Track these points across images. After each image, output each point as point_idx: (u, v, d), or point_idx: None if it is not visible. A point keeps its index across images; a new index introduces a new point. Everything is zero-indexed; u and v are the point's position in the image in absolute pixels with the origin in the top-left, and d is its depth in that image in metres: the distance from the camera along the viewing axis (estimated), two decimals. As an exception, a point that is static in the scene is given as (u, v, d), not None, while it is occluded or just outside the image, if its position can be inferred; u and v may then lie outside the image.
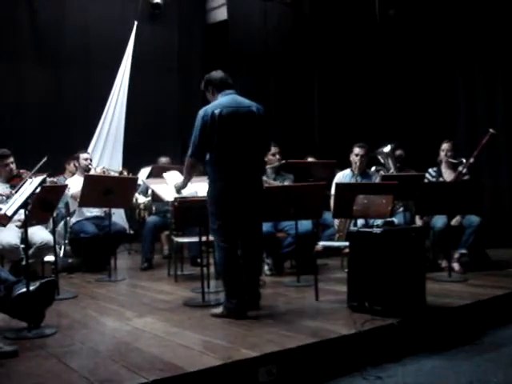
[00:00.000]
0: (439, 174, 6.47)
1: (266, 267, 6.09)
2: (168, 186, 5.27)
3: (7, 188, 5.71)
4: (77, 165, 7.12)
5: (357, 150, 6.30)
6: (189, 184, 4.79)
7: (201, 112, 4.31)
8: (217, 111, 4.24)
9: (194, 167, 4.52)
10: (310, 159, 7.53)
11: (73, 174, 7.88)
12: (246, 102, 4.41)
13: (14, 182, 5.70)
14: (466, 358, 3.92)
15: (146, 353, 3.42)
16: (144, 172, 7.99)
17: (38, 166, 4.40)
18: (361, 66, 9.69)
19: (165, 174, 5.50)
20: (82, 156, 7.00)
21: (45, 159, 4.33)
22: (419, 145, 8.21)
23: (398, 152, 7.13)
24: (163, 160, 7.84)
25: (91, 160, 7.13)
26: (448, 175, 6.42)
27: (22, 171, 5.81)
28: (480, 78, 8.25)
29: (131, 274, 6.52)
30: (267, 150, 5.47)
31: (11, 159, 5.81)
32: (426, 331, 4.13)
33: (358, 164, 6.27)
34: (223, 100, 4.36)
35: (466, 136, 8.18)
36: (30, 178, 4.64)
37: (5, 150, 5.87)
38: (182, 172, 4.91)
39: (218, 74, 4.53)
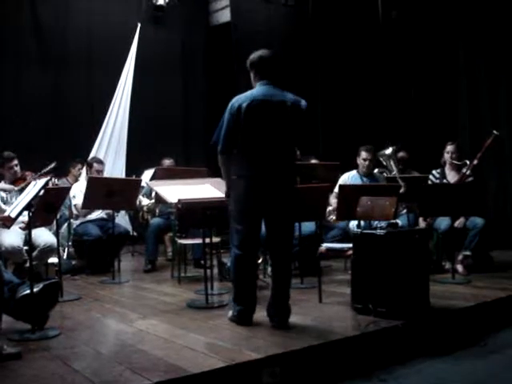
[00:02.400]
0: (443, 175, 6.47)
1: (269, 268, 6.07)
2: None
3: (11, 190, 5.72)
4: (87, 171, 7.03)
5: (364, 154, 6.28)
6: (189, 187, 4.77)
7: (229, 104, 4.08)
8: (244, 104, 3.99)
9: (224, 162, 4.13)
10: (313, 161, 7.52)
11: (76, 178, 7.90)
12: (280, 94, 4.09)
13: (19, 183, 5.71)
14: (469, 360, 3.91)
15: (150, 354, 3.42)
16: (147, 174, 7.99)
17: (46, 169, 4.37)
18: (364, 68, 9.68)
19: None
20: (96, 167, 6.85)
21: (54, 164, 4.31)
22: (423, 146, 8.21)
23: (401, 154, 7.12)
24: (167, 162, 7.83)
25: (102, 173, 6.96)
26: (452, 177, 6.41)
27: (26, 173, 5.81)
28: (484, 80, 8.24)
29: (135, 276, 6.52)
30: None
31: (15, 162, 5.82)
32: (430, 333, 4.12)
33: (365, 168, 6.27)
34: (255, 91, 4.10)
35: (469, 138, 8.17)
36: (34, 179, 4.65)
37: (9, 152, 5.87)
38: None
39: (261, 57, 4.18)
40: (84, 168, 7.57)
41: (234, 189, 4.10)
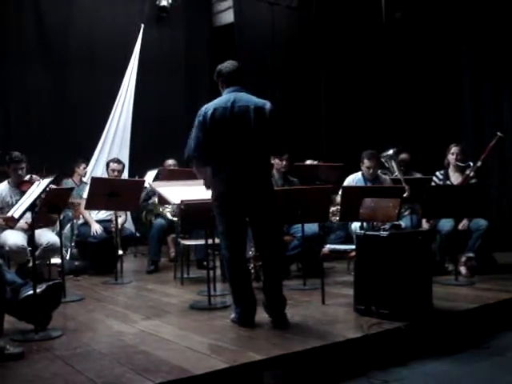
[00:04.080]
0: (446, 177, 6.45)
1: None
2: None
3: (17, 194, 5.69)
4: (79, 170, 7.01)
5: (367, 162, 6.22)
6: (192, 188, 4.79)
7: (197, 114, 4.20)
8: (209, 112, 4.10)
9: (200, 166, 4.24)
10: (308, 162, 7.51)
11: (81, 177, 7.91)
12: (244, 100, 4.14)
13: (25, 187, 5.69)
14: (472, 362, 3.90)
15: (152, 355, 3.43)
16: (151, 174, 8.00)
17: (49, 180, 4.30)
18: (367, 69, 9.68)
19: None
20: (111, 166, 6.87)
21: (56, 175, 4.29)
22: (426, 148, 8.19)
23: (403, 156, 7.11)
24: (170, 162, 7.83)
25: (119, 172, 6.92)
26: (455, 178, 6.39)
27: (34, 177, 5.74)
28: (487, 81, 8.23)
29: (137, 277, 6.52)
30: (278, 151, 5.07)
31: (21, 165, 5.68)
32: (433, 335, 4.12)
33: (369, 176, 6.26)
34: (222, 98, 4.20)
35: (473, 139, 8.16)
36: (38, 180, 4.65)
37: (18, 154, 5.72)
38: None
39: (227, 67, 4.28)
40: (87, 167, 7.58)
41: (213, 191, 4.20)
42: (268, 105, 4.17)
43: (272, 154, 4.81)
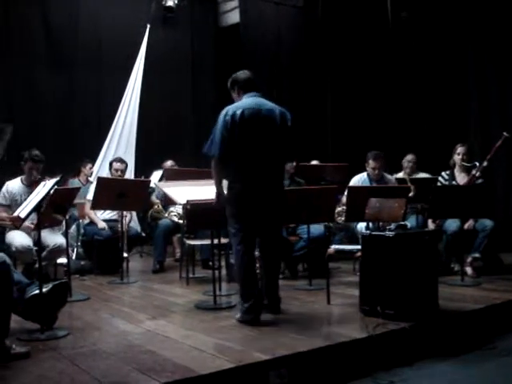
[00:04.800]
0: (452, 177, 6.43)
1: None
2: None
3: (26, 193, 5.69)
4: (85, 170, 7.02)
5: (372, 163, 6.22)
6: (198, 188, 4.81)
7: (223, 111, 4.31)
8: (238, 112, 4.23)
9: (220, 168, 4.32)
10: (314, 162, 7.52)
11: (87, 177, 7.92)
12: (269, 104, 4.38)
13: (35, 188, 5.70)
14: (478, 363, 3.90)
15: (158, 355, 3.43)
16: (156, 175, 8.01)
17: (54, 183, 4.30)
18: (373, 69, 9.67)
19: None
20: (115, 165, 6.86)
21: (59, 177, 4.29)
22: (432, 148, 8.18)
23: (409, 156, 7.10)
24: (169, 163, 7.86)
25: (122, 172, 6.89)
26: (461, 179, 6.38)
27: (46, 178, 5.72)
28: (493, 81, 8.20)
29: (143, 277, 6.53)
30: (290, 155, 5.13)
31: (39, 166, 5.67)
32: (439, 335, 4.11)
33: (374, 176, 6.25)
34: (246, 101, 4.35)
35: (479, 139, 8.14)
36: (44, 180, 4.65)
37: (38, 153, 5.69)
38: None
39: (244, 74, 4.49)
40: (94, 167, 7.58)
41: (228, 192, 4.32)
42: (288, 113, 4.42)
43: (287, 159, 4.99)
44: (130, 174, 8.72)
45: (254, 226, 4.32)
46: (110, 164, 7.02)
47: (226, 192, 4.37)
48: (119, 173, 6.83)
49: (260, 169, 4.27)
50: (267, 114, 4.31)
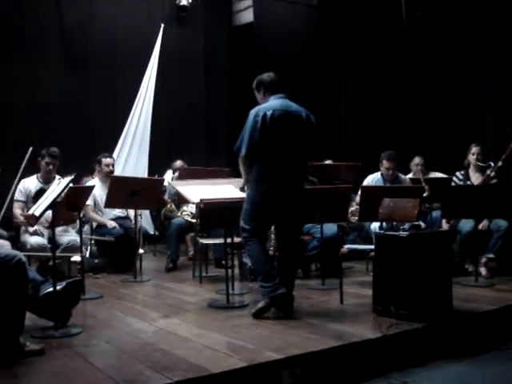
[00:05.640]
0: (467, 177, 6.40)
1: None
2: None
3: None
4: (98, 168, 7.08)
5: (386, 163, 6.22)
6: (212, 187, 4.83)
7: (252, 111, 4.36)
8: (269, 113, 4.29)
9: (248, 165, 4.41)
10: (327, 162, 7.50)
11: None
12: (295, 106, 4.46)
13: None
14: (492, 364, 3.87)
15: (171, 354, 3.44)
16: (169, 174, 8.04)
17: (68, 181, 4.32)
18: (387, 69, 9.63)
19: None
20: (105, 161, 6.87)
21: (73, 176, 4.31)
22: (446, 148, 8.13)
23: (416, 159, 7.07)
24: (178, 163, 7.87)
25: (113, 166, 6.98)
26: (476, 179, 6.34)
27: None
28: (509, 81, 8.14)
29: (156, 275, 6.54)
30: (313, 157, 5.26)
31: (55, 162, 5.81)
32: (452, 336, 4.09)
33: (388, 177, 6.24)
34: (274, 103, 4.40)
35: (494, 139, 8.08)
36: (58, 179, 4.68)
37: (56, 149, 5.84)
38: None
39: (270, 76, 4.57)
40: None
41: (252, 190, 4.39)
42: (312, 115, 4.52)
43: (310, 159, 5.00)
44: (143, 173, 8.76)
45: (272, 224, 4.47)
46: (99, 161, 6.96)
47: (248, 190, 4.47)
48: (110, 167, 6.85)
49: (287, 169, 4.36)
50: (295, 116, 4.40)
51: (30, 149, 5.44)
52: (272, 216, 4.41)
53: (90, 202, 6.41)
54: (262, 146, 4.28)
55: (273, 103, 4.40)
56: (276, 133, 4.30)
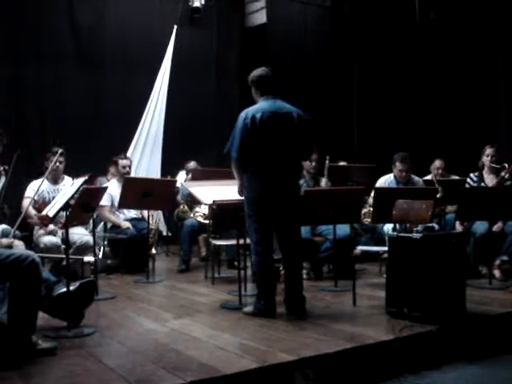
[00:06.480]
0: (481, 179, 6.36)
1: (303, 271, 6.06)
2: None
3: (54, 191, 5.81)
4: (112, 170, 7.08)
5: (399, 165, 6.17)
6: (224, 188, 4.84)
7: (242, 114, 4.37)
8: (258, 115, 4.29)
9: (240, 168, 4.44)
10: (341, 163, 7.48)
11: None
12: (286, 106, 4.45)
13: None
14: (505, 367, 3.86)
15: (183, 354, 3.44)
16: (182, 175, 8.04)
17: (82, 182, 4.32)
18: (400, 70, 9.60)
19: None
20: (121, 163, 6.87)
21: (87, 177, 4.33)
22: (460, 149, 8.10)
23: (437, 162, 7.04)
24: (191, 164, 7.88)
25: (130, 167, 6.98)
26: (490, 180, 6.30)
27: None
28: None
29: (169, 276, 6.55)
30: (308, 156, 5.42)
31: (61, 158, 5.81)
32: (466, 339, 4.06)
33: (401, 179, 6.21)
34: (264, 104, 4.40)
35: (508, 140, 8.03)
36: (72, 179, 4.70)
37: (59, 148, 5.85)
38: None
39: (258, 72, 4.54)
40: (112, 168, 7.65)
41: (248, 192, 4.41)
42: (304, 114, 4.50)
43: (304, 159, 5.14)
44: (156, 174, 8.78)
45: (272, 226, 4.44)
46: (116, 162, 6.99)
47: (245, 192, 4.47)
48: (127, 169, 6.87)
49: (279, 170, 4.37)
50: (285, 116, 4.39)
51: (18, 150, 5.43)
52: (271, 216, 4.40)
53: (107, 202, 6.49)
54: (253, 148, 4.29)
55: (262, 105, 4.41)
56: (266, 134, 4.30)
